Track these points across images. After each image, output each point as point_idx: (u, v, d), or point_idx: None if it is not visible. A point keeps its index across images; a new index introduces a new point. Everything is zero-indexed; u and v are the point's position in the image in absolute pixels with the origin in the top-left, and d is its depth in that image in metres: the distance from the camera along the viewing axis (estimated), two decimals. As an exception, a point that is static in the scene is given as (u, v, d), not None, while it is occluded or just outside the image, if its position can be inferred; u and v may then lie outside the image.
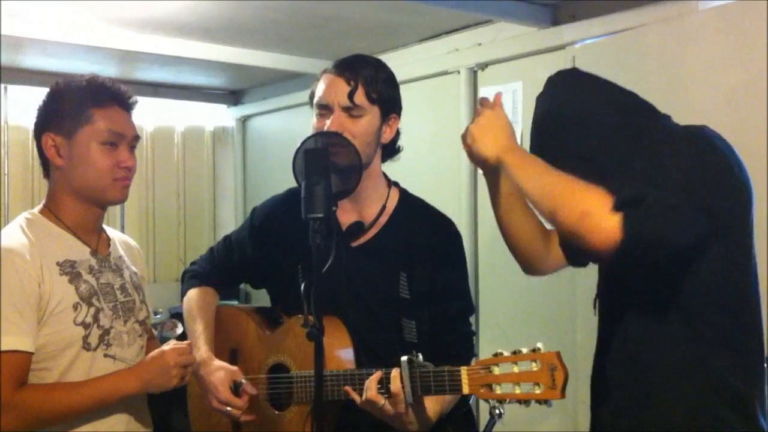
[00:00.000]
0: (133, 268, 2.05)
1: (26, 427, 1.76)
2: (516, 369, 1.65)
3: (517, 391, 1.65)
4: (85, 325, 1.82)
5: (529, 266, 1.98)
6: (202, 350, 2.07)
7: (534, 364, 1.63)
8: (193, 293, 2.24)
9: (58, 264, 1.84)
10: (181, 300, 2.29)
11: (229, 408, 1.99)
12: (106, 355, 1.86)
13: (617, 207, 1.49)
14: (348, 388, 1.83)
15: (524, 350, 1.65)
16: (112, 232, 2.09)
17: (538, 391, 1.62)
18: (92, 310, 1.85)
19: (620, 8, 2.73)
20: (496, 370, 1.67)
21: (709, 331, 1.58)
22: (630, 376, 1.67)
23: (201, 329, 2.13)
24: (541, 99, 1.83)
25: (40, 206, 1.94)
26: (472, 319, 2.14)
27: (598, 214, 1.50)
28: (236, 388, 2.01)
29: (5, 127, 4.33)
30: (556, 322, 2.93)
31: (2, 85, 4.25)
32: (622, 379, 1.69)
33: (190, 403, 2.23)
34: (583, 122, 1.73)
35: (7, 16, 3.03)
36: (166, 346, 1.87)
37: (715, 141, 1.61)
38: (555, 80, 1.85)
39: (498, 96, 1.88)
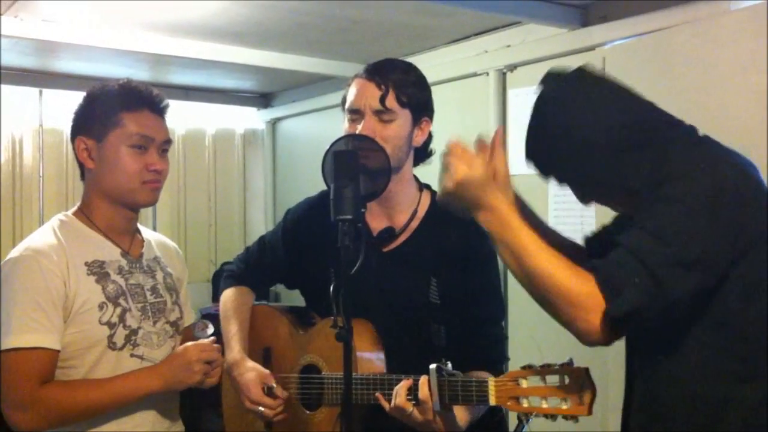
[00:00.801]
0: (169, 270, 2.07)
1: (49, 423, 1.79)
2: (544, 383, 1.63)
3: (545, 405, 1.63)
4: (110, 325, 1.85)
5: None
6: (235, 351, 2.09)
7: (562, 379, 1.61)
8: (228, 293, 2.26)
9: (86, 264, 1.87)
10: (217, 299, 2.31)
11: (261, 408, 2.00)
12: (132, 355, 1.88)
13: (609, 319, 1.43)
14: (379, 395, 1.83)
15: (554, 364, 1.63)
16: (149, 233, 2.11)
17: (565, 407, 1.60)
18: (118, 310, 1.87)
19: (651, 9, 2.70)
20: (524, 383, 1.65)
21: (737, 364, 1.50)
22: (656, 417, 1.60)
23: (235, 329, 2.14)
24: (541, 104, 1.63)
25: (74, 208, 1.97)
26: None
27: (587, 320, 1.44)
28: (269, 390, 2.02)
29: (41, 130, 4.40)
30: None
31: (38, 89, 4.32)
32: (648, 420, 1.62)
33: (225, 402, 2.24)
34: (589, 142, 1.57)
35: (41, 21, 3.09)
36: (189, 343, 1.89)
37: (727, 155, 1.53)
38: (558, 85, 1.65)
39: (498, 132, 1.73)
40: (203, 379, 1.85)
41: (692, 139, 1.59)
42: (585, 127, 1.57)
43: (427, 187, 2.13)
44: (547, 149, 1.62)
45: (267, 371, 2.05)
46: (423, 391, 1.76)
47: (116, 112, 1.88)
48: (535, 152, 1.64)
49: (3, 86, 4.12)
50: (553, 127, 1.61)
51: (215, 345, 1.90)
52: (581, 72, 1.65)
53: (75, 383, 1.82)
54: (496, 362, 2.04)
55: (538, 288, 1.50)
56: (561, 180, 1.65)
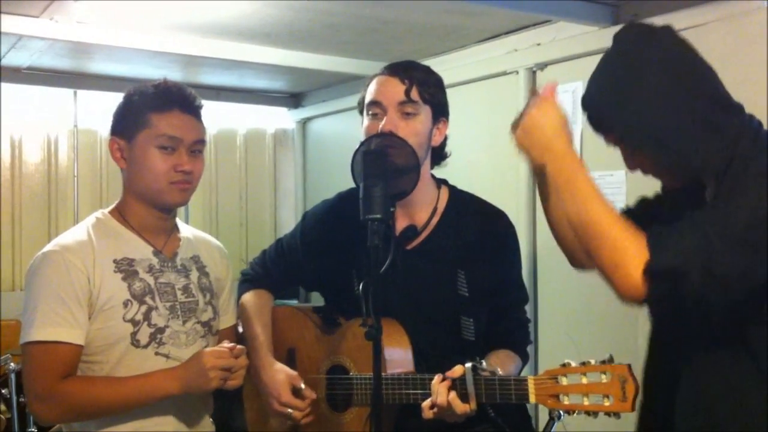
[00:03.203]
0: (207, 270, 2.07)
1: (66, 416, 1.83)
2: (584, 380, 1.64)
3: (586, 402, 1.63)
4: (134, 322, 1.86)
5: (575, 260, 1.91)
6: (262, 354, 2.08)
7: (604, 376, 1.62)
8: (247, 297, 2.25)
9: (114, 261, 1.89)
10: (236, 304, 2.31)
11: (290, 410, 2.00)
12: (157, 354, 1.88)
13: (648, 271, 1.42)
14: (425, 407, 1.80)
15: (593, 361, 1.63)
16: (191, 231, 2.12)
17: (607, 404, 1.60)
18: (144, 308, 1.88)
19: (682, 7, 2.68)
20: (564, 381, 1.66)
21: None
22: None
23: (258, 332, 2.13)
24: (609, 63, 1.63)
25: (112, 206, 2.00)
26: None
27: (627, 270, 1.43)
28: (297, 392, 2.02)
29: (75, 130, 4.46)
30: (617, 325, 2.89)
31: (73, 90, 4.39)
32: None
33: (247, 405, 2.25)
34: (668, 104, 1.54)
35: (76, 22, 3.13)
36: (207, 349, 1.88)
37: None
38: (627, 41, 1.62)
39: (550, 87, 1.72)
40: (221, 384, 1.84)
41: (757, 126, 1.58)
42: (666, 87, 1.55)
43: (444, 182, 2.14)
44: (622, 102, 1.58)
45: (295, 373, 2.05)
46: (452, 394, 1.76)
47: (146, 112, 1.90)
48: (606, 102, 1.61)
49: (39, 87, 4.22)
50: (634, 80, 1.57)
51: (238, 347, 1.87)
52: (670, 31, 1.64)
53: (94, 380, 1.84)
54: (523, 343, 2.09)
55: (590, 235, 1.51)
56: (620, 136, 1.61)
